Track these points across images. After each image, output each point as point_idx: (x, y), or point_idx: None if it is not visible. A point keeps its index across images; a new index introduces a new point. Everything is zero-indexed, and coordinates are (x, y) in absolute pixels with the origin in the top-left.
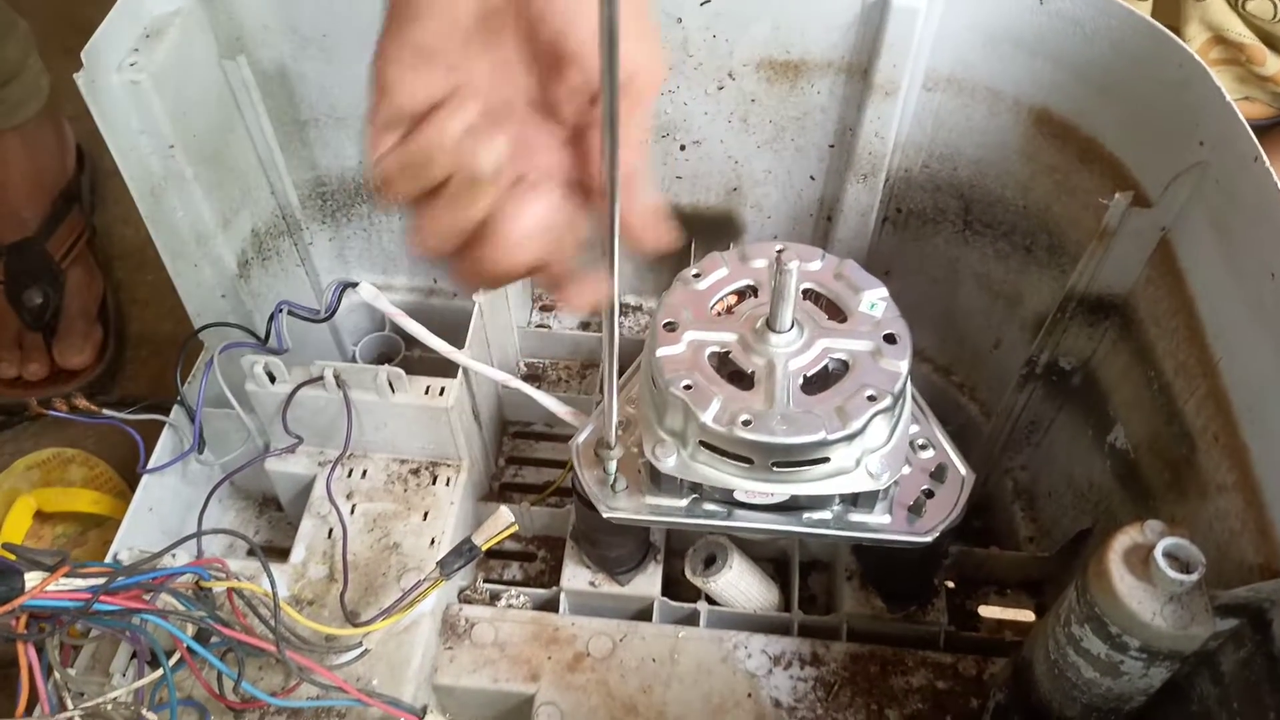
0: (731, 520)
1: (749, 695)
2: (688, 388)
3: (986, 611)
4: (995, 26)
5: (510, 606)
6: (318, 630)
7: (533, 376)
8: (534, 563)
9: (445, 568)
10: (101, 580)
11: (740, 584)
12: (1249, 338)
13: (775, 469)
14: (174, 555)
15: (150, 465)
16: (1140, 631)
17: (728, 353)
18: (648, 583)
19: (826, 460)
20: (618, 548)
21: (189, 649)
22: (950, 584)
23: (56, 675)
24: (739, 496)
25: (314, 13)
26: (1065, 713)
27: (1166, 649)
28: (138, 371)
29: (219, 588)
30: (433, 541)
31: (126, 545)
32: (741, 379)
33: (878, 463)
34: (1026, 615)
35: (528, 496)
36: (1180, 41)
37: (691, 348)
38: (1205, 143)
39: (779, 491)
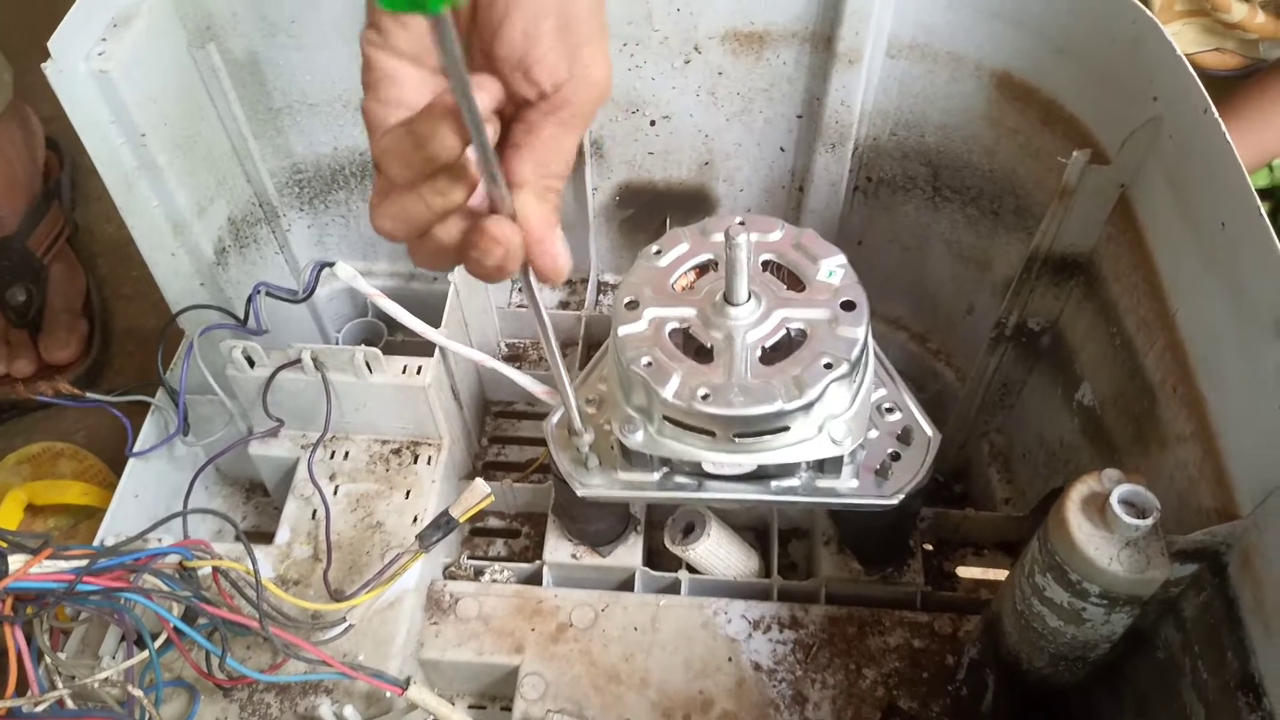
0: (702, 492)
1: (729, 659)
2: (648, 365)
3: (964, 572)
4: None
5: (494, 581)
6: (303, 607)
7: (514, 357)
8: (518, 539)
9: (424, 540)
10: (84, 562)
11: (719, 551)
12: (1203, 289)
13: (738, 439)
14: (160, 538)
15: (136, 449)
16: (1099, 577)
17: (688, 328)
18: (629, 554)
19: (787, 429)
20: (597, 521)
21: (176, 629)
22: (928, 546)
23: (47, 659)
24: (707, 468)
25: (283, 1)
26: (1034, 662)
27: (1125, 593)
28: (124, 365)
29: (203, 568)
30: (415, 519)
31: (113, 531)
32: (702, 353)
33: (840, 428)
34: (1003, 575)
35: (511, 474)
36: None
37: (653, 325)
38: (1159, 98)
39: (745, 461)
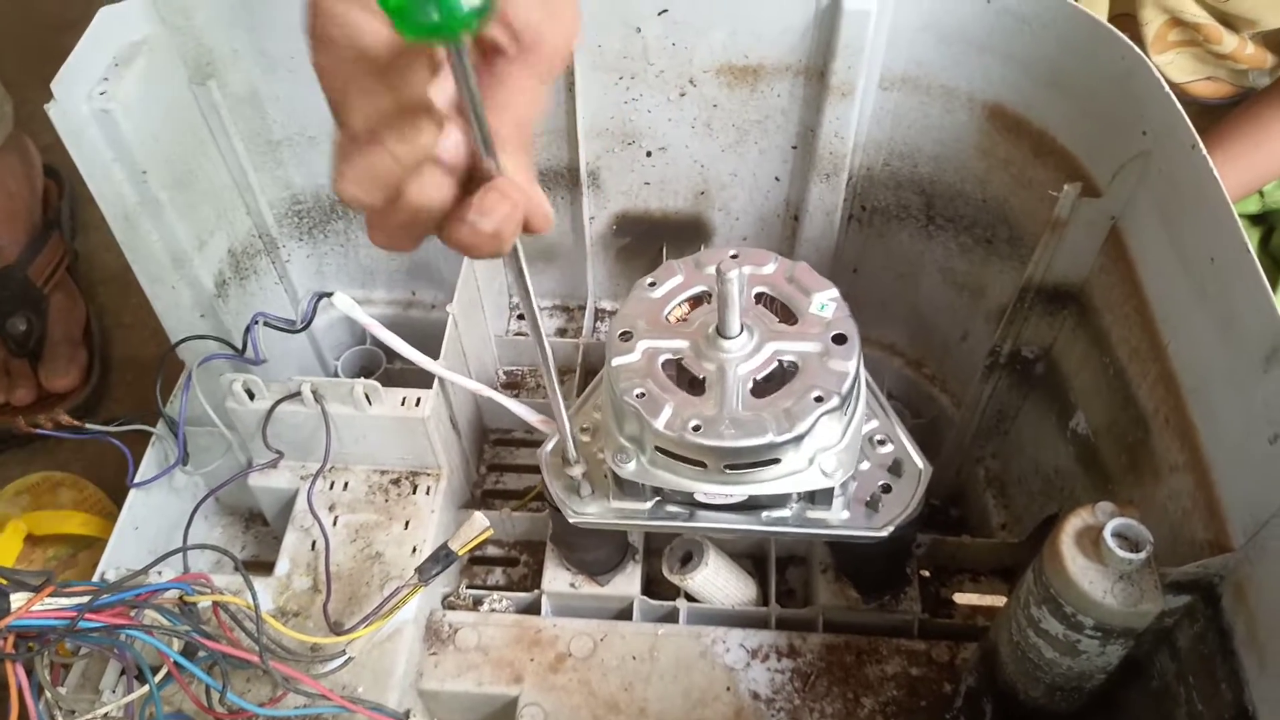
0: (694, 521)
1: (728, 688)
2: (640, 395)
3: (961, 599)
4: (946, 25)
5: (493, 611)
6: (302, 640)
7: (512, 384)
8: (517, 567)
9: (423, 574)
10: (86, 599)
11: (717, 580)
12: (1194, 321)
13: (729, 471)
14: (160, 572)
15: (137, 479)
16: (1093, 610)
17: (681, 359)
18: (627, 582)
19: (778, 461)
20: (595, 550)
21: (176, 664)
22: (925, 573)
23: (47, 694)
24: (699, 498)
25: (282, 35)
26: (1030, 693)
27: (1120, 626)
28: (124, 394)
29: (203, 602)
30: (414, 550)
31: (113, 564)
32: (695, 385)
33: (831, 461)
34: (999, 601)
35: (509, 503)
36: (1120, 34)
37: (646, 356)
38: (1148, 132)
39: (736, 492)
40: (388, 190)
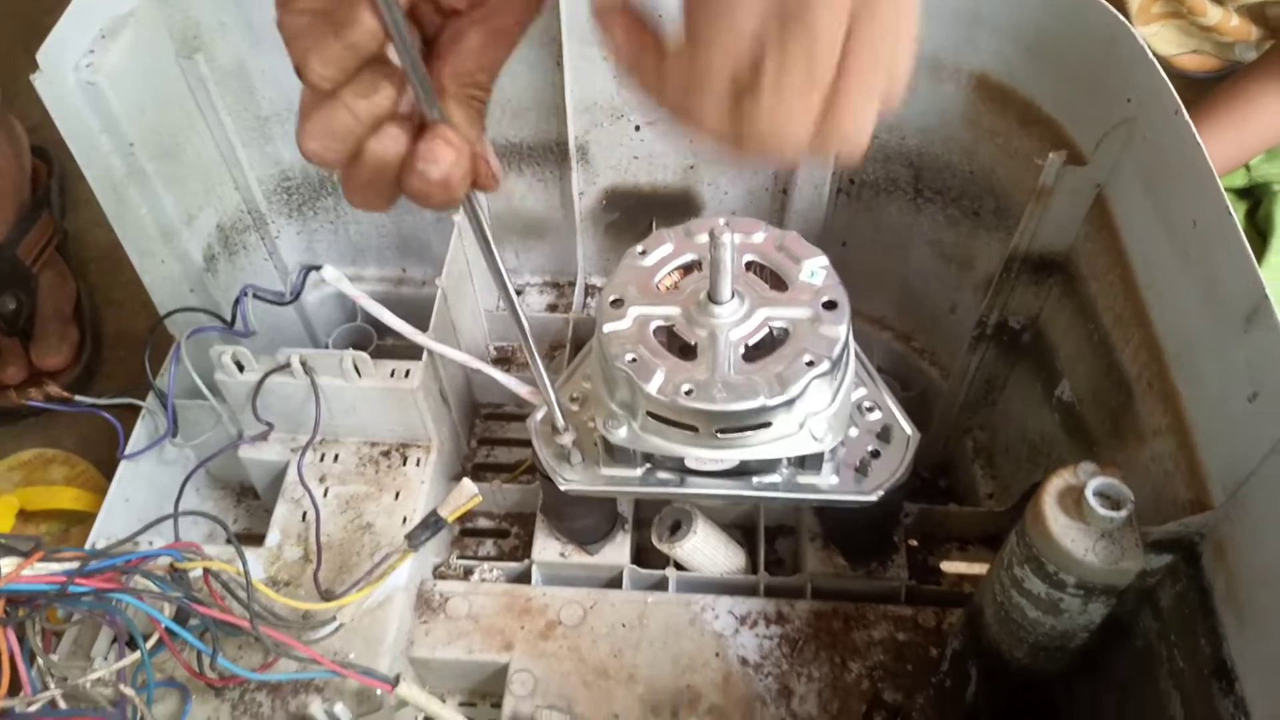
0: (685, 488)
1: (716, 654)
2: (633, 361)
3: (948, 567)
4: None
5: (484, 580)
6: (293, 607)
7: (503, 359)
8: (507, 539)
9: (413, 540)
10: (77, 564)
11: (705, 548)
12: (1177, 286)
13: (720, 435)
14: (150, 541)
15: (128, 451)
16: (1075, 568)
17: (673, 326)
18: (617, 552)
19: (769, 425)
20: (584, 518)
21: (167, 630)
22: (913, 542)
23: (39, 660)
24: (689, 464)
25: (269, 7)
26: (1014, 653)
27: (1101, 584)
28: (115, 370)
29: (193, 569)
30: (404, 520)
31: (104, 534)
32: (686, 351)
33: (821, 425)
34: (986, 569)
35: (500, 476)
36: (1104, 1)
37: (637, 323)
38: (1133, 99)
39: (726, 457)
40: (348, 145)
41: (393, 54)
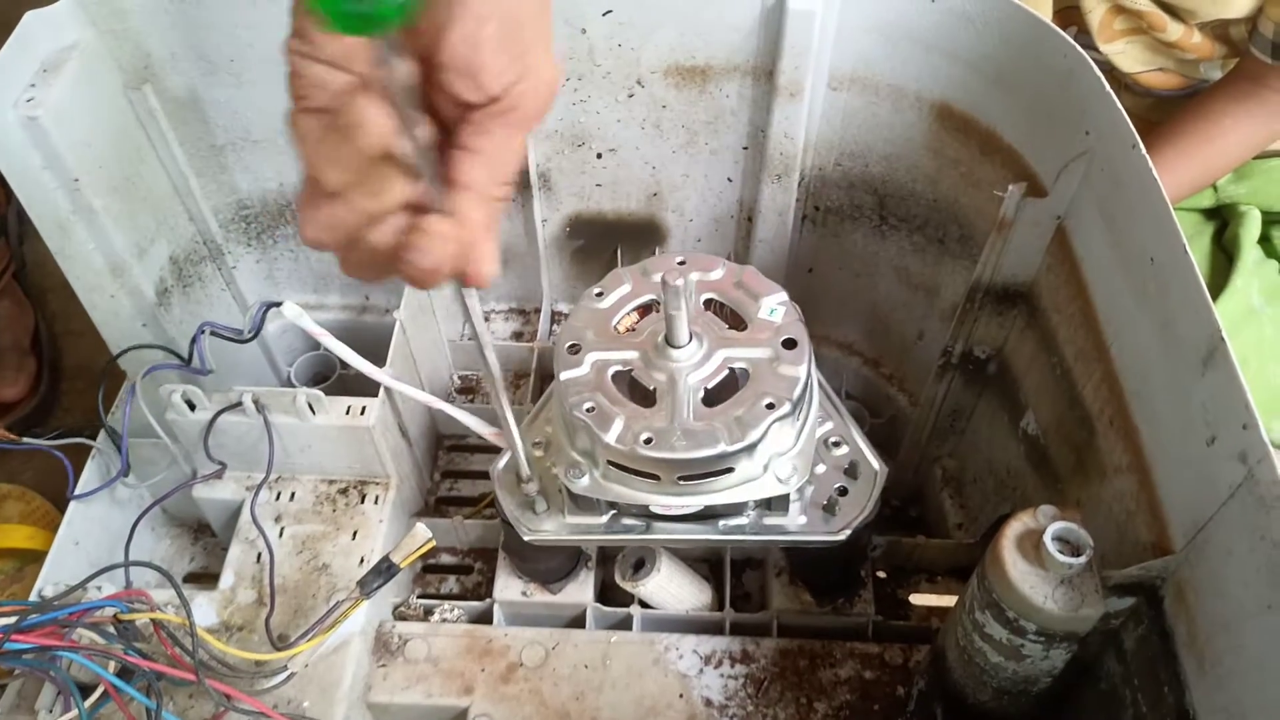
0: (651, 533)
1: (680, 696)
2: (590, 410)
3: (917, 599)
4: (891, 25)
5: (444, 621)
6: (242, 657)
7: (467, 390)
8: (470, 574)
9: (365, 587)
10: (14, 619)
11: (670, 586)
12: (1135, 322)
13: (683, 482)
14: (99, 587)
15: (78, 491)
16: (1035, 615)
17: (631, 371)
18: (580, 590)
19: (731, 470)
20: (547, 560)
21: (112, 684)
22: (881, 574)
23: None
24: (654, 509)
25: (220, 39)
26: (978, 696)
27: (1061, 630)
28: (74, 403)
29: (141, 619)
30: (362, 560)
31: (52, 580)
32: (646, 396)
33: (785, 467)
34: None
35: (464, 509)
36: (1062, 33)
37: (595, 368)
38: (1091, 131)
39: (691, 503)
40: (350, 236)
41: (403, 145)
